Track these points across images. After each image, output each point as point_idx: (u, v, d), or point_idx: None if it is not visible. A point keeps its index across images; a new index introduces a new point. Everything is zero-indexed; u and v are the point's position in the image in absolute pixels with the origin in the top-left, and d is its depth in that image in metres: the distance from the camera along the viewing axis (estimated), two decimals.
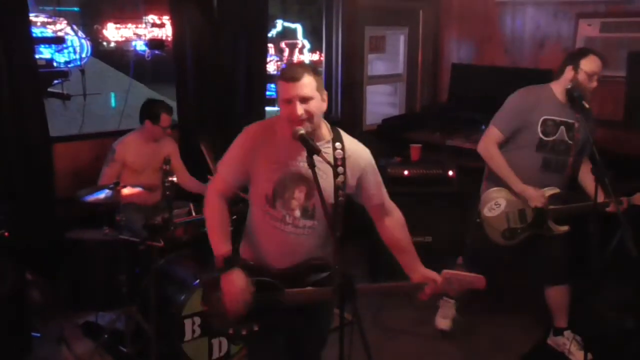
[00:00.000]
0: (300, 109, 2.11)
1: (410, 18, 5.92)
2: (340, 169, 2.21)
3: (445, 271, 2.30)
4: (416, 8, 5.94)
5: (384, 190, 2.41)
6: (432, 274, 2.33)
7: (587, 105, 3.25)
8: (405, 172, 4.51)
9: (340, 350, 1.98)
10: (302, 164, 2.18)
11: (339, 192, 2.17)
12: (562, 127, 3.37)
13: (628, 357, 3.57)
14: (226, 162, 2.34)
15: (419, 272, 2.36)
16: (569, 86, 3.32)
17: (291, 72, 2.14)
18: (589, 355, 3.26)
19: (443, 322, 3.87)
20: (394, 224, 2.42)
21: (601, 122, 4.34)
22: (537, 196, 3.35)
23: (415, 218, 4.43)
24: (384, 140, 5.47)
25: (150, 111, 4.01)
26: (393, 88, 6.09)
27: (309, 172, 2.12)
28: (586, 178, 3.49)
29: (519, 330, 3.94)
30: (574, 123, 3.37)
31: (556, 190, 3.41)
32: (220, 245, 2.28)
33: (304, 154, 2.12)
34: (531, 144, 3.38)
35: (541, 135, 3.36)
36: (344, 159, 2.23)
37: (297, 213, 2.24)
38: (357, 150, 2.31)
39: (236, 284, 2.22)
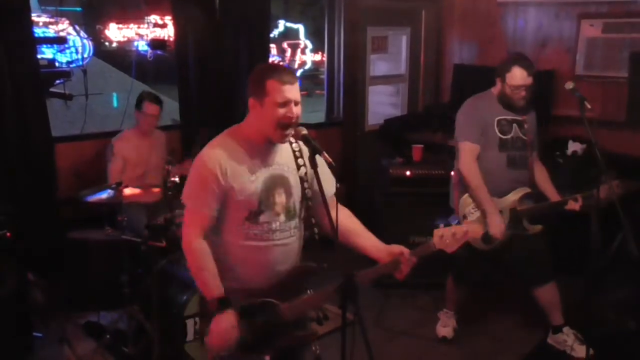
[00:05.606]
0: (297, 111, 2.15)
1: (412, 18, 5.92)
2: (300, 161, 2.26)
3: (436, 230, 2.24)
4: (418, 8, 5.94)
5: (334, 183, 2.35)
6: (397, 247, 2.25)
7: (588, 106, 3.18)
8: (407, 173, 4.52)
9: (342, 351, 1.99)
10: (278, 166, 2.23)
11: (305, 184, 2.25)
12: (515, 125, 3.52)
13: (629, 358, 3.57)
14: (198, 195, 2.16)
15: (387, 249, 2.28)
16: (500, 96, 3.49)
17: (288, 76, 2.14)
18: (591, 351, 3.27)
19: (444, 330, 3.85)
20: (346, 213, 2.37)
21: (603, 122, 4.34)
22: (498, 228, 3.35)
23: (417, 218, 4.49)
24: (386, 140, 5.45)
25: (137, 100, 4.15)
26: (395, 88, 6.09)
27: (286, 171, 2.21)
28: (540, 177, 3.63)
29: (519, 330, 3.94)
30: (523, 121, 3.54)
31: (527, 190, 3.51)
32: (214, 288, 2.16)
33: (277, 155, 2.21)
34: (493, 144, 3.49)
35: (499, 135, 3.48)
36: (300, 151, 2.28)
37: (282, 217, 2.24)
38: None
39: (224, 324, 2.13)
